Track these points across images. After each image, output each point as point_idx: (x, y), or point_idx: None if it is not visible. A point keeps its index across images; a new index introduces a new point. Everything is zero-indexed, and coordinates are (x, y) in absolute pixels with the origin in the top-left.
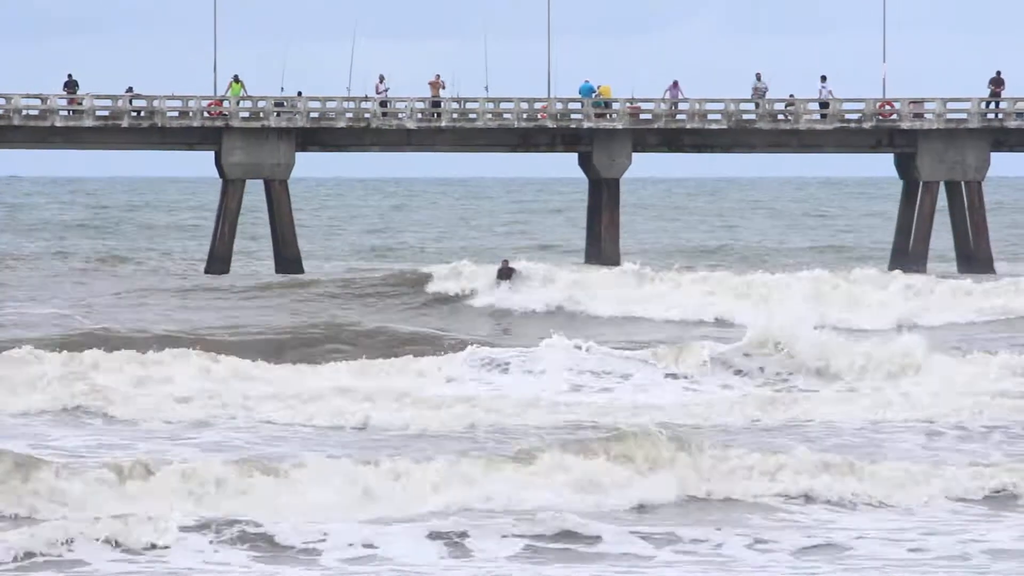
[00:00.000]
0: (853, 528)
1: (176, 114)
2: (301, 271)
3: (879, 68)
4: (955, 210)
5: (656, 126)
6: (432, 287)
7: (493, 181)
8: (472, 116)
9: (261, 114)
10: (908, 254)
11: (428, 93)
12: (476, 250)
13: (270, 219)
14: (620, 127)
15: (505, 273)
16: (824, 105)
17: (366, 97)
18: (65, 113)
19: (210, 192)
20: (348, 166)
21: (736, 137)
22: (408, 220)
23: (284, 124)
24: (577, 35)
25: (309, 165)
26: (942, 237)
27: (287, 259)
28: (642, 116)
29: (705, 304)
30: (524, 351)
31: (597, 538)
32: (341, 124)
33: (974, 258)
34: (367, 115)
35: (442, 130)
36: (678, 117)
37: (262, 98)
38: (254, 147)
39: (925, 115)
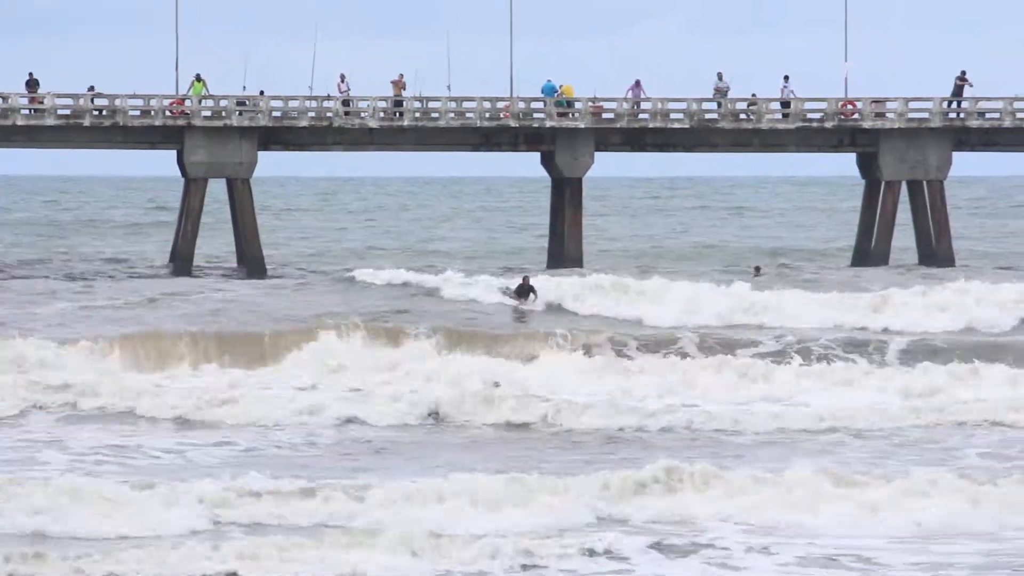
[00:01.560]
0: None
1: (138, 113)
2: (264, 271)
3: (842, 68)
4: (917, 209)
5: (618, 125)
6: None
7: (452, 180)
8: (434, 115)
9: (223, 113)
10: (871, 253)
11: (390, 92)
12: (468, 253)
13: (232, 218)
14: (582, 126)
15: (524, 290)
16: (786, 104)
17: (328, 96)
18: (26, 112)
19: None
20: (310, 165)
21: (698, 136)
22: (387, 220)
23: (246, 123)
24: (539, 35)
25: (272, 164)
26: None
27: (250, 258)
28: (604, 115)
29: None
30: None
31: None
32: (303, 123)
33: (936, 257)
34: (329, 114)
35: (404, 129)
36: (640, 116)
37: (224, 97)
38: (216, 146)
39: (887, 114)
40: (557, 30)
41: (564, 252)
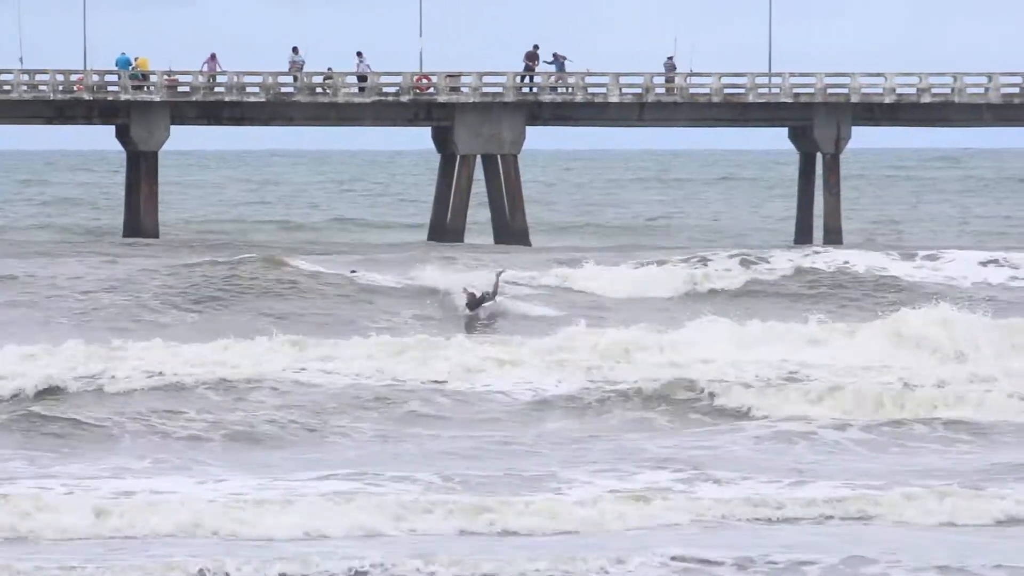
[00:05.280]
0: None
1: None
2: None
3: (417, 43)
4: (492, 184)
5: (195, 99)
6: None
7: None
8: (6, 88)
9: None
10: (446, 228)
11: None
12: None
13: None
14: (158, 99)
15: (474, 304)
16: (363, 79)
17: None
18: None
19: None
20: None
21: (275, 110)
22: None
23: None
24: (114, 7)
25: None
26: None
27: None
28: (180, 89)
29: None
30: None
31: None
32: None
33: (510, 231)
34: None
35: None
36: (216, 90)
37: None
38: None
39: (462, 89)
40: (132, 2)
41: (140, 226)
